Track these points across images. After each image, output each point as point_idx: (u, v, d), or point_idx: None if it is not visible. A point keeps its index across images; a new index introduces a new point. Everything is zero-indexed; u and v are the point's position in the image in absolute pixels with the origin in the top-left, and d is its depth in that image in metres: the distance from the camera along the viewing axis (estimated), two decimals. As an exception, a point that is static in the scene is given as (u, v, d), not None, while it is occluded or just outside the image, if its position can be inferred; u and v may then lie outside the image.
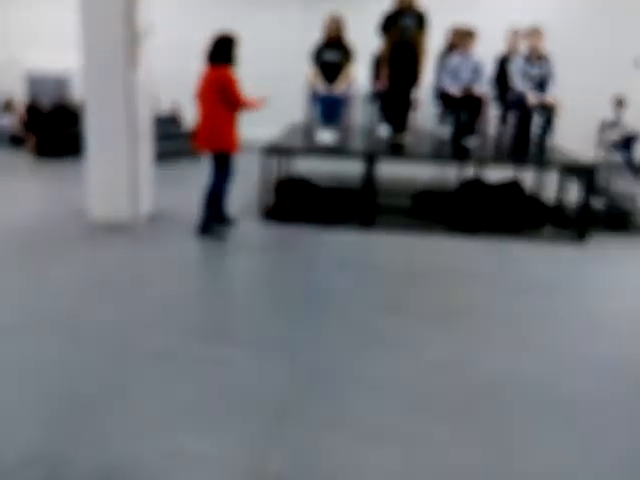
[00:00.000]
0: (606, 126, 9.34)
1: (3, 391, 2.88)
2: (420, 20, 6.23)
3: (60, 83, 10.73)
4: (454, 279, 4.69)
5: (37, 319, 3.64)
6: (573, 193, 6.19)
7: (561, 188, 6.49)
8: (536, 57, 6.45)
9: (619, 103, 9.23)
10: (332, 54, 6.86)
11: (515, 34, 7.43)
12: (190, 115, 8.97)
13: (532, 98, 6.37)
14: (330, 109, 6.93)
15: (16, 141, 9.53)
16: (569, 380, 3.21)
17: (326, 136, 6.26)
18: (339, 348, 3.43)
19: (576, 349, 3.58)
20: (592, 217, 5.87)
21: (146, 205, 5.81)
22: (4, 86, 10.57)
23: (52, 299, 3.95)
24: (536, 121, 6.64)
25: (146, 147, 5.79)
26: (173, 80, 9.41)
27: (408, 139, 6.59)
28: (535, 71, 6.45)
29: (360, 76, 7.76)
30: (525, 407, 2.93)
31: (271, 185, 6.16)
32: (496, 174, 6.89)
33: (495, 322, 3.91)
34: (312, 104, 7.19)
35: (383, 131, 6.77)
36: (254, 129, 7.63)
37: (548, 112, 6.47)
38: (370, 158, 5.81)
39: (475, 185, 6.62)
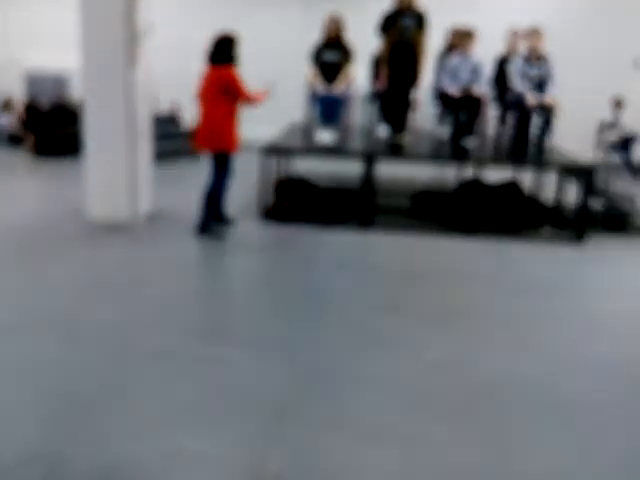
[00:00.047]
0: (605, 127, 9.35)
1: (2, 390, 2.88)
2: (419, 20, 6.24)
3: (59, 82, 10.73)
4: (453, 279, 4.69)
5: (35, 318, 3.64)
6: (572, 194, 6.20)
7: (560, 189, 6.50)
8: (535, 58, 6.45)
9: (618, 104, 9.24)
10: (332, 54, 6.86)
11: (514, 35, 7.43)
12: (189, 115, 8.98)
13: (531, 99, 6.38)
14: (329, 109, 6.93)
15: (15, 140, 9.52)
16: (568, 380, 3.22)
17: (325, 136, 6.26)
18: (338, 348, 3.44)
19: (575, 349, 3.59)
20: (591, 218, 5.88)
21: (145, 205, 5.81)
22: (3, 85, 10.57)
23: (50, 298, 3.95)
24: (535, 122, 6.64)
25: (145, 147, 5.79)
26: (172, 80, 9.42)
27: (407, 139, 6.59)
28: (534, 72, 6.46)
29: (359, 76, 7.77)
30: (524, 407, 2.94)
31: (270, 185, 6.16)
32: (495, 174, 6.90)
33: (494, 322, 3.91)
34: (311, 104, 7.19)
35: (382, 131, 6.78)
36: (254, 129, 7.63)
37: (547, 113, 6.48)
38: (369, 158, 5.81)
39: (474, 185, 6.62)
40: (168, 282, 4.33)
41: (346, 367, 3.23)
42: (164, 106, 9.72)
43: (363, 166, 5.83)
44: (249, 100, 5.10)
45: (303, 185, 6.38)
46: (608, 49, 9.51)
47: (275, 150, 6.02)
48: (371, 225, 5.86)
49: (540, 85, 6.47)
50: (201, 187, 5.40)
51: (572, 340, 3.71)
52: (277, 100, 6.15)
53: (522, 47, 6.91)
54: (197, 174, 6.87)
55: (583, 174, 5.80)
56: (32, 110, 9.66)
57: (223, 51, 5.02)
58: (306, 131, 7.01)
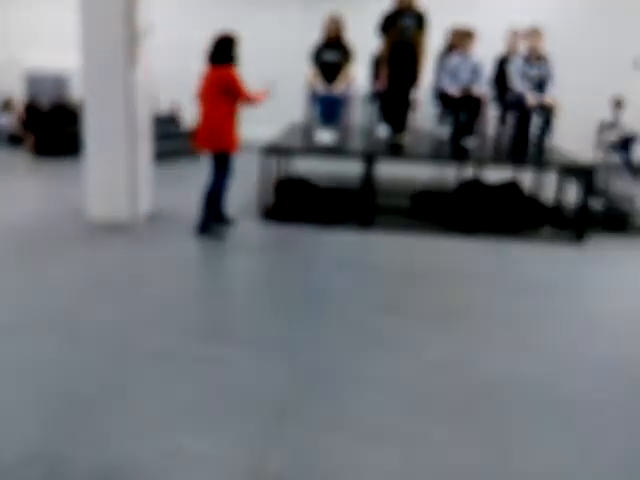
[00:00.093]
0: (605, 127, 9.35)
1: (2, 390, 2.88)
2: (419, 20, 6.24)
3: (59, 82, 10.73)
4: (453, 279, 4.69)
5: (35, 318, 3.64)
6: (572, 194, 6.20)
7: (560, 189, 6.50)
8: (535, 58, 6.45)
9: (618, 104, 9.24)
10: (331, 54, 6.86)
11: (514, 35, 7.43)
12: (189, 115, 8.98)
13: (531, 99, 6.38)
14: (329, 109, 6.93)
15: (15, 140, 9.52)
16: (568, 380, 3.22)
17: (325, 136, 6.26)
18: (338, 348, 3.44)
19: (575, 349, 3.59)
20: (590, 218, 5.88)
21: (145, 205, 5.81)
22: (3, 85, 10.57)
23: (50, 298, 3.95)
24: (535, 122, 6.64)
25: (145, 147, 5.79)
26: (173, 80, 9.42)
27: (407, 139, 6.59)
28: (534, 72, 6.46)
29: (359, 76, 7.77)
30: (524, 407, 2.94)
31: (270, 185, 6.16)
32: (495, 174, 6.90)
33: (494, 322, 3.91)
34: (311, 104, 7.19)
35: (382, 131, 6.78)
36: (254, 129, 7.63)
37: (547, 113, 6.48)
38: (369, 158, 5.81)
39: (474, 185, 6.62)
40: (168, 282, 4.33)
41: (346, 367, 3.23)
42: (164, 106, 9.72)
43: (363, 166, 5.83)
44: (249, 100, 5.11)
45: (303, 185, 6.38)
46: (608, 49, 9.51)
47: (275, 150, 6.02)
48: (371, 225, 5.86)
49: (540, 85, 6.47)
50: (201, 187, 5.40)
51: (572, 340, 3.71)
52: (277, 100, 6.16)
53: (522, 47, 6.91)
54: (197, 174, 6.87)
55: (583, 174, 5.80)
56: (32, 110, 9.66)
57: (223, 51, 5.02)
58: (306, 131, 7.01)
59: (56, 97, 10.33)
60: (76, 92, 10.03)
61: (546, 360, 3.43)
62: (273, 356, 3.30)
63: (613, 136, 9.14)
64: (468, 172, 7.06)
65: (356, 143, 6.73)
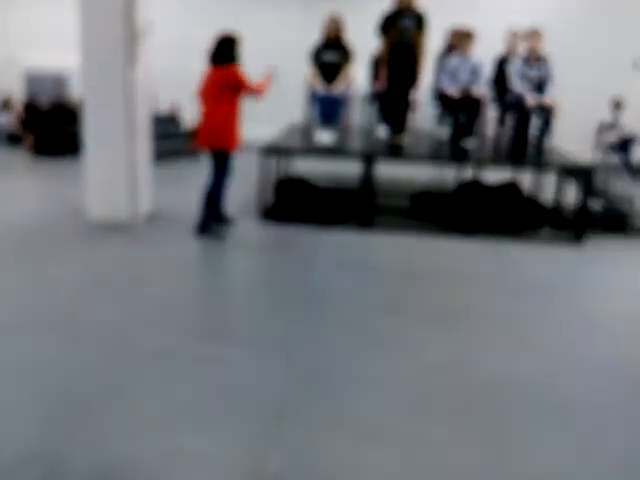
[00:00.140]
0: (604, 128, 9.36)
1: (1, 390, 2.87)
2: (419, 21, 6.24)
3: (58, 82, 10.72)
4: (452, 280, 4.70)
5: (34, 318, 3.64)
6: (571, 195, 6.21)
7: (559, 190, 6.51)
8: (535, 58, 6.46)
9: (617, 105, 9.25)
10: (331, 54, 6.86)
11: (514, 35, 7.44)
12: (189, 114, 8.98)
13: (530, 100, 6.38)
14: (329, 109, 6.93)
15: (14, 139, 9.52)
16: (567, 381, 3.22)
17: (325, 136, 6.26)
18: (337, 348, 3.44)
19: (574, 350, 3.59)
20: (590, 219, 5.88)
21: (145, 204, 5.81)
22: (3, 85, 10.56)
23: (50, 298, 3.95)
24: (534, 123, 6.65)
25: (145, 146, 5.78)
26: (172, 79, 9.42)
27: (407, 140, 6.59)
28: (534, 72, 6.47)
29: (359, 77, 7.77)
30: (523, 408, 2.94)
31: (270, 185, 6.17)
32: (494, 175, 6.90)
33: (493, 323, 3.92)
34: (311, 104, 7.19)
35: (382, 132, 6.78)
36: (253, 129, 7.63)
37: (546, 114, 6.49)
38: (369, 159, 5.81)
39: (473, 186, 6.63)
40: (168, 282, 4.33)
41: (345, 367, 3.23)
42: (164, 106, 9.71)
43: (362, 166, 5.83)
44: (255, 91, 5.11)
45: (303, 185, 6.38)
46: (607, 50, 9.52)
47: (275, 150, 6.02)
48: (370, 225, 5.86)
49: (540, 86, 6.47)
50: (201, 187, 5.40)
51: (571, 341, 3.72)
52: (277, 100, 6.16)
53: (521, 48, 6.92)
54: (197, 174, 6.87)
55: (582, 175, 5.81)
56: (31, 109, 9.66)
57: (225, 51, 5.03)
58: (306, 131, 7.01)
59: (55, 96, 10.32)
60: (75, 91, 10.03)
61: (545, 361, 3.43)
62: (273, 356, 3.30)
63: (612, 137, 9.15)
64: (467, 173, 7.06)
65: (355, 143, 6.73)
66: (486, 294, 4.41)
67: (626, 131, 9.08)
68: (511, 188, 6.63)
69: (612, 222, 6.23)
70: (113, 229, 5.38)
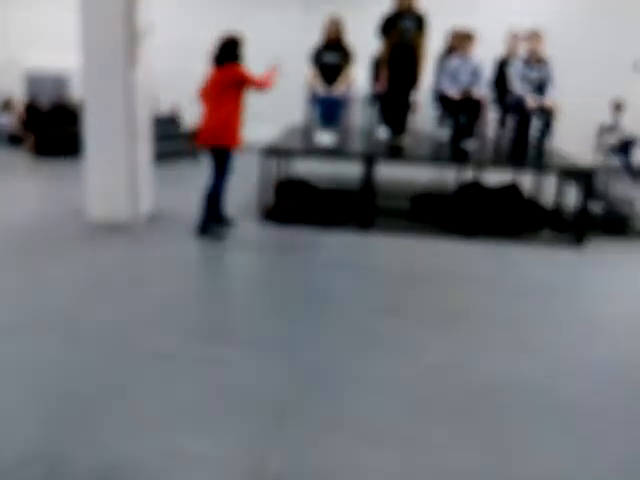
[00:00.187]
0: (604, 130, 9.36)
1: (2, 390, 2.87)
2: (419, 22, 6.24)
3: (59, 82, 10.72)
4: (453, 281, 4.70)
5: (35, 318, 3.64)
6: (571, 197, 6.21)
7: (559, 192, 6.51)
8: (535, 60, 6.47)
9: (618, 107, 9.25)
10: (332, 56, 6.87)
11: (514, 37, 7.45)
12: (190, 115, 8.98)
13: (531, 101, 6.39)
14: (329, 111, 6.94)
15: (15, 140, 9.52)
16: (567, 383, 3.22)
17: (325, 138, 6.27)
18: (338, 349, 3.44)
19: (574, 353, 3.59)
20: (590, 221, 5.88)
21: (145, 205, 5.81)
22: (3, 85, 10.57)
23: (50, 299, 3.95)
24: (535, 124, 6.65)
25: (145, 147, 5.79)
26: (173, 80, 9.42)
27: (407, 141, 6.60)
28: (534, 74, 6.47)
29: (359, 78, 7.77)
30: (523, 410, 2.94)
31: (270, 186, 6.17)
32: (495, 177, 6.90)
33: (493, 325, 3.92)
34: (311, 105, 7.19)
35: (382, 133, 6.78)
36: (254, 130, 7.63)
37: (547, 115, 6.49)
38: (369, 160, 5.81)
39: (474, 188, 6.62)
40: (168, 282, 4.33)
41: (346, 368, 3.23)
42: (164, 107, 9.71)
43: (363, 168, 5.83)
44: (261, 85, 5.11)
45: (303, 186, 6.39)
46: (608, 52, 9.52)
47: (275, 151, 6.02)
48: (371, 227, 5.86)
49: (540, 88, 6.48)
50: (201, 188, 5.40)
51: (571, 343, 3.72)
52: (277, 101, 6.16)
53: (522, 49, 6.93)
54: (197, 175, 6.88)
55: (583, 177, 5.81)
56: (32, 110, 9.66)
57: (228, 52, 5.05)
58: (306, 132, 7.02)
59: (56, 97, 10.32)
60: (76, 92, 10.03)
61: (545, 363, 3.43)
62: (273, 357, 3.30)
63: (613, 139, 9.15)
64: (468, 174, 7.06)
65: (356, 145, 6.73)
66: (486, 296, 4.41)
67: (627, 133, 9.08)
68: (511, 190, 6.64)
69: (612, 224, 6.23)
70: (114, 230, 5.38)
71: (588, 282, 4.94)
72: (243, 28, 6.10)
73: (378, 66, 7.08)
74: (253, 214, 6.04)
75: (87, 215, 5.62)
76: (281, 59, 5.43)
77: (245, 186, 6.62)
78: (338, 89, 6.87)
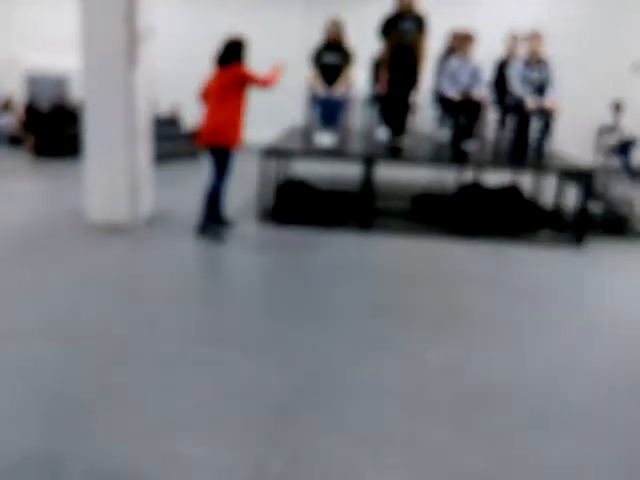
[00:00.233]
0: (604, 131, 9.37)
1: (2, 391, 2.87)
2: (420, 24, 6.25)
3: (59, 83, 10.74)
4: (453, 282, 4.70)
5: (35, 320, 3.64)
6: (571, 197, 6.21)
7: (559, 192, 6.51)
8: (535, 61, 6.47)
9: (617, 108, 9.26)
10: (332, 57, 6.87)
11: (514, 38, 7.45)
12: (190, 116, 8.99)
13: (530, 102, 6.39)
14: (329, 112, 6.94)
15: (15, 141, 9.53)
16: (567, 383, 3.22)
17: (325, 138, 6.27)
18: (338, 351, 3.44)
19: (574, 352, 3.59)
20: (590, 221, 5.89)
21: (145, 206, 5.81)
22: (4, 86, 10.58)
23: (50, 299, 3.95)
24: (534, 125, 6.66)
25: (145, 148, 5.79)
26: (173, 81, 9.44)
27: (407, 142, 6.60)
28: (534, 75, 6.47)
29: (360, 79, 7.78)
30: (524, 412, 2.93)
31: (270, 187, 6.17)
32: (494, 178, 6.91)
33: (494, 325, 3.92)
34: (311, 106, 7.20)
35: (382, 134, 6.79)
36: (254, 131, 7.64)
37: (546, 116, 6.50)
38: (369, 161, 5.82)
39: (474, 189, 6.63)
40: (168, 283, 4.33)
41: (346, 370, 3.23)
42: (164, 107, 9.73)
43: (363, 169, 5.84)
44: (263, 83, 5.12)
45: (303, 187, 6.39)
46: (607, 53, 9.54)
47: (275, 152, 6.03)
48: (371, 227, 5.87)
49: (541, 89, 6.48)
50: (201, 188, 5.40)
51: (571, 343, 3.72)
52: (277, 102, 6.16)
53: (522, 51, 6.93)
54: (197, 175, 6.89)
55: (582, 178, 5.81)
56: (32, 111, 9.67)
57: (232, 53, 5.07)
58: (306, 133, 7.02)
59: (56, 98, 10.34)
60: (76, 93, 10.04)
61: (545, 363, 3.43)
62: (273, 358, 3.30)
63: (612, 140, 9.16)
64: (468, 175, 7.07)
65: (356, 146, 6.74)
66: (486, 296, 4.42)
67: (626, 134, 9.09)
68: (511, 191, 6.64)
69: (612, 225, 6.24)
70: (113, 231, 5.38)
71: (588, 282, 4.94)
72: (243, 29, 6.11)
73: (378, 67, 7.09)
74: (253, 215, 6.05)
75: (87, 216, 5.62)
76: (283, 58, 5.44)
77: (245, 187, 6.63)
78: (338, 90, 6.87)
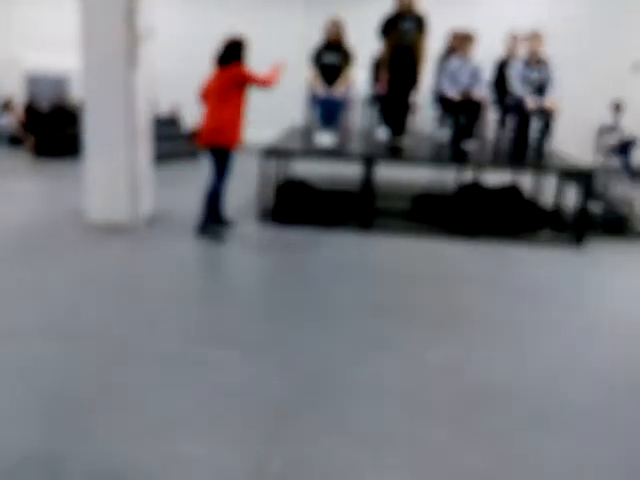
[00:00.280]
0: (604, 131, 9.37)
1: (2, 391, 2.88)
2: (420, 24, 6.25)
3: (59, 84, 10.74)
4: (453, 282, 4.70)
5: (35, 319, 3.64)
6: (571, 197, 6.21)
7: (559, 192, 6.51)
8: (535, 61, 6.47)
9: (617, 108, 9.26)
10: (332, 56, 6.87)
11: (514, 38, 7.45)
12: (190, 116, 8.99)
13: (530, 102, 6.39)
14: (329, 112, 6.94)
15: (15, 141, 9.53)
16: (567, 383, 3.22)
17: (325, 138, 6.27)
18: (338, 351, 3.44)
19: (574, 353, 3.59)
20: (590, 221, 5.89)
21: (145, 206, 5.81)
22: (4, 86, 10.58)
23: (50, 299, 3.95)
24: (535, 125, 6.66)
25: (145, 148, 5.79)
26: (173, 81, 9.44)
27: (407, 142, 6.60)
28: (534, 75, 6.47)
29: (360, 79, 7.78)
30: (524, 412, 2.93)
31: (270, 187, 6.17)
32: (494, 178, 6.91)
33: (494, 325, 3.92)
34: (311, 106, 7.20)
35: (382, 134, 6.79)
36: (254, 131, 7.64)
37: (546, 116, 6.50)
38: (369, 161, 5.82)
39: (474, 189, 6.63)
40: (168, 283, 4.33)
41: (346, 370, 3.23)
42: (164, 108, 9.73)
43: (363, 169, 5.84)
44: (263, 83, 5.13)
45: (303, 187, 6.39)
46: (607, 53, 9.54)
47: (275, 152, 6.03)
48: (371, 227, 5.87)
49: (541, 89, 6.48)
50: (201, 188, 5.40)
51: (571, 343, 3.72)
52: (277, 102, 6.16)
53: (522, 51, 6.93)
54: (197, 175, 6.88)
55: (582, 178, 5.81)
56: (32, 111, 9.67)
57: (232, 53, 5.07)
58: (306, 133, 7.02)
59: (56, 98, 10.34)
60: (76, 93, 10.04)
61: (545, 363, 3.43)
62: (273, 358, 3.30)
63: (612, 140, 9.16)
64: (468, 175, 7.07)
65: (356, 146, 6.74)
66: (486, 296, 4.42)
67: (626, 134, 9.09)
68: (511, 191, 6.64)
69: (612, 225, 6.24)
70: (113, 231, 5.38)
71: (587, 282, 4.94)
72: (243, 29, 6.11)
73: (378, 67, 7.09)
74: (253, 215, 6.05)
75: (87, 216, 5.62)
76: (283, 58, 5.45)
77: (245, 187, 6.63)
78: (338, 90, 6.87)
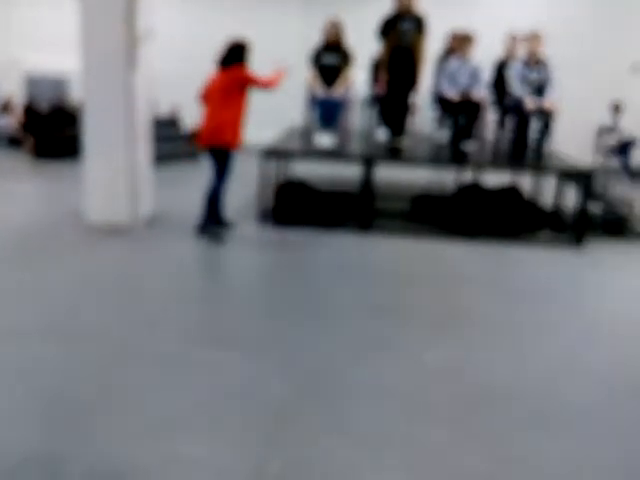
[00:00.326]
0: (603, 131, 9.38)
1: (2, 391, 2.87)
2: (419, 24, 6.25)
3: (58, 85, 10.74)
4: (453, 283, 4.70)
5: (35, 320, 3.64)
6: (570, 198, 6.22)
7: (559, 193, 6.52)
8: (534, 62, 6.47)
9: (616, 108, 9.27)
10: (331, 57, 6.87)
11: (513, 39, 7.46)
12: (189, 117, 9.00)
13: (530, 103, 6.39)
14: (329, 112, 6.94)
15: (14, 142, 9.53)
16: (567, 385, 3.22)
17: (324, 139, 6.27)
18: (337, 351, 3.44)
19: (574, 354, 3.59)
20: (589, 222, 5.89)
21: (145, 207, 5.81)
22: (3, 87, 10.58)
23: (50, 301, 3.95)
24: (534, 126, 6.66)
25: (145, 149, 5.79)
26: (173, 82, 9.44)
27: (406, 143, 6.60)
28: (534, 76, 6.48)
29: (359, 80, 7.78)
30: (524, 413, 2.93)
31: (270, 188, 6.17)
32: (494, 178, 6.91)
33: (493, 326, 3.92)
34: (311, 107, 7.20)
35: (381, 135, 6.79)
36: (253, 132, 7.65)
37: (546, 117, 6.50)
38: (368, 162, 5.82)
39: (473, 189, 6.63)
40: (168, 284, 4.33)
41: (345, 371, 3.23)
42: (164, 108, 9.73)
43: (362, 169, 5.84)
44: (267, 85, 5.14)
45: (302, 188, 6.39)
46: (607, 53, 9.55)
47: (275, 153, 6.03)
48: (370, 228, 5.87)
49: (540, 89, 6.49)
50: (201, 189, 5.41)
51: (571, 343, 3.72)
52: (277, 103, 6.16)
53: (521, 51, 6.94)
54: (197, 176, 6.89)
55: (582, 178, 5.81)
56: (31, 112, 9.67)
57: (235, 55, 5.09)
58: (305, 134, 7.03)
59: (56, 99, 10.34)
60: (76, 94, 10.04)
61: (545, 363, 3.44)
62: (273, 359, 3.30)
63: (612, 140, 9.16)
64: (467, 176, 7.07)
65: (355, 146, 6.74)
66: (486, 297, 4.42)
67: (625, 134, 9.10)
68: (511, 191, 6.64)
69: (611, 225, 6.24)
70: (113, 232, 5.38)
71: (587, 283, 4.94)
72: (243, 30, 6.13)
73: (377, 68, 7.08)
74: (253, 216, 6.05)
75: (87, 217, 5.62)
76: (285, 60, 5.45)
77: (245, 188, 6.63)
78: (337, 91, 6.87)
